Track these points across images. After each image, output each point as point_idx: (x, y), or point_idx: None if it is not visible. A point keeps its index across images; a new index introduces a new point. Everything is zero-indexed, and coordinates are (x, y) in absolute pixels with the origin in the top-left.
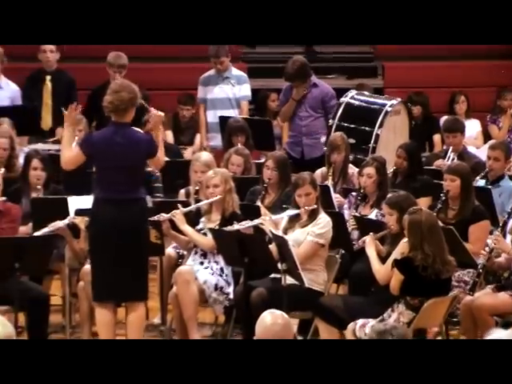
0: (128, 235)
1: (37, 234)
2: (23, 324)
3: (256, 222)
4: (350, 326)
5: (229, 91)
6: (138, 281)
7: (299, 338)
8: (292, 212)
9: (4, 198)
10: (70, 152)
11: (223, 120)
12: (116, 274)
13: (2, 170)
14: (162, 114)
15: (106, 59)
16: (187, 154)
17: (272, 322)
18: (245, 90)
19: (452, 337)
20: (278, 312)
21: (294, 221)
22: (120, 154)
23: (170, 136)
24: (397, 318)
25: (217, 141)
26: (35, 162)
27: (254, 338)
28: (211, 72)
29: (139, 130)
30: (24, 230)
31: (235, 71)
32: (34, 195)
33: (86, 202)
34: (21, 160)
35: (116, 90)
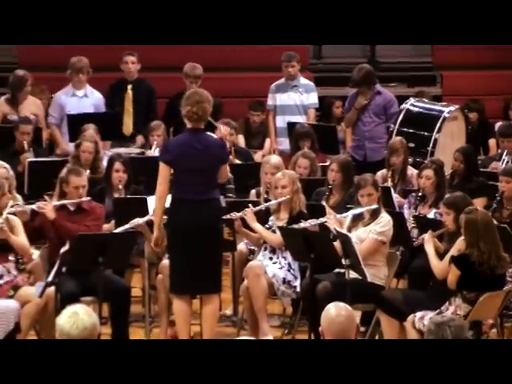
0: (203, 233)
1: (119, 230)
2: (107, 314)
3: (321, 220)
4: (410, 317)
5: (297, 98)
6: (213, 275)
7: (362, 328)
8: (355, 211)
9: (89, 198)
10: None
11: (291, 125)
12: (192, 269)
13: (88, 171)
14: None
15: (182, 70)
16: (257, 157)
17: (337, 314)
18: (312, 98)
19: (506, 329)
20: (342, 304)
21: (357, 220)
22: (196, 157)
23: (241, 140)
24: (454, 310)
25: (285, 145)
26: (117, 165)
27: (320, 328)
28: (281, 81)
29: (213, 134)
30: (107, 227)
31: (303, 80)
32: (116, 195)
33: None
34: (104, 163)
35: (198, 101)
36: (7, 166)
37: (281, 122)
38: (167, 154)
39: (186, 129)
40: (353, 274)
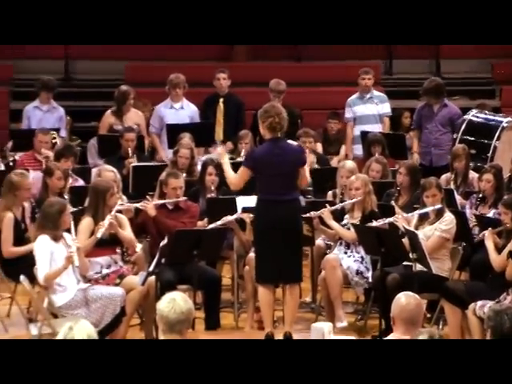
0: (285, 229)
1: (211, 227)
2: (200, 300)
3: (391, 219)
4: (471, 306)
5: (373, 109)
6: (294, 266)
7: (428, 315)
8: (421, 211)
9: (185, 198)
10: (234, 174)
11: (364, 134)
12: (276, 261)
13: (184, 175)
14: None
15: (268, 85)
16: (334, 162)
17: (407, 302)
18: (386, 108)
19: None
20: (411, 293)
21: (423, 219)
22: (278, 163)
23: (319, 147)
24: (511, 300)
25: (359, 151)
26: (210, 169)
27: (391, 314)
28: (356, 94)
29: (292, 142)
30: (201, 223)
31: (376, 93)
32: (209, 196)
33: (250, 201)
34: (198, 167)
35: (278, 113)
36: (114, 169)
37: (357, 131)
38: (252, 161)
39: (266, 139)
40: (419, 267)
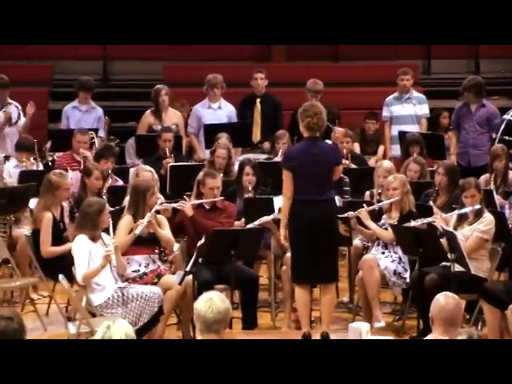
0: (321, 229)
1: (248, 227)
2: (238, 300)
3: (429, 219)
4: (511, 306)
5: (411, 109)
6: (330, 266)
7: (467, 316)
8: (460, 211)
9: (222, 198)
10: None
11: (402, 134)
12: (311, 261)
13: (221, 175)
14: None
15: (305, 85)
16: (371, 162)
17: (446, 302)
18: (424, 109)
19: None
20: (450, 294)
21: (462, 219)
22: (314, 162)
23: (357, 147)
24: None
25: (397, 151)
26: (247, 169)
27: (430, 315)
28: (395, 94)
29: (328, 141)
30: (238, 223)
31: (415, 93)
32: (246, 196)
33: None
34: (236, 167)
35: (317, 113)
36: (152, 170)
37: (395, 130)
38: (288, 161)
39: (304, 138)
40: (458, 267)
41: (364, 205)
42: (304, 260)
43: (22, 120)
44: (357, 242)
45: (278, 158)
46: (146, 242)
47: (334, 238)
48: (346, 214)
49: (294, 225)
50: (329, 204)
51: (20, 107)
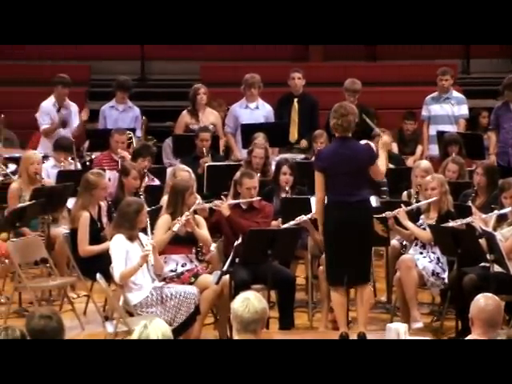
0: (355, 231)
1: (285, 226)
2: (274, 300)
3: (468, 219)
4: None
5: (449, 110)
6: (362, 267)
7: (506, 317)
8: (500, 212)
9: (259, 198)
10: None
11: (440, 134)
12: (344, 262)
13: (258, 174)
14: (389, 139)
15: (343, 85)
16: (409, 162)
17: (486, 303)
18: (463, 110)
19: None
20: (490, 294)
21: (501, 220)
22: (346, 162)
23: (395, 147)
24: None
25: (435, 151)
26: (284, 168)
27: (470, 315)
28: (435, 93)
29: (359, 142)
30: (275, 223)
31: (455, 93)
32: (283, 195)
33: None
34: (273, 167)
35: (343, 114)
36: (189, 169)
37: (433, 130)
38: (320, 162)
39: (335, 138)
40: (497, 268)
41: (402, 205)
42: (337, 262)
43: (76, 124)
44: (394, 242)
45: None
46: (184, 242)
47: (367, 239)
48: (383, 214)
49: (329, 227)
50: (362, 205)
51: (77, 110)
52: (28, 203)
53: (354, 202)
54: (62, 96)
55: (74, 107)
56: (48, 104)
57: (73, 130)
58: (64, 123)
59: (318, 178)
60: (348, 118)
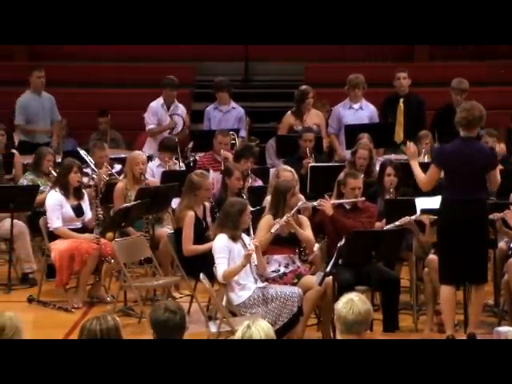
0: (471, 229)
1: (389, 227)
2: (379, 302)
3: None
4: None
5: None
6: (480, 266)
7: None
8: None
9: (363, 198)
10: (423, 175)
11: None
12: (461, 260)
13: (362, 175)
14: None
15: (449, 85)
16: None
17: None
18: None
19: None
20: None
21: None
22: (468, 161)
23: (503, 147)
24: None
25: None
26: (389, 170)
27: None
28: None
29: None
30: (379, 224)
31: None
32: (387, 196)
33: (430, 202)
34: (377, 168)
35: (468, 108)
36: (292, 170)
37: None
38: (441, 158)
39: (458, 136)
40: None
41: (510, 206)
42: (453, 259)
43: (180, 127)
44: (502, 244)
45: (422, 159)
46: (287, 242)
47: (484, 237)
48: (491, 216)
49: (445, 225)
50: (480, 204)
51: (184, 111)
52: (133, 203)
53: (473, 200)
54: (171, 98)
55: (181, 109)
56: (157, 105)
57: (178, 132)
58: (173, 129)
59: (433, 173)
60: (473, 113)
